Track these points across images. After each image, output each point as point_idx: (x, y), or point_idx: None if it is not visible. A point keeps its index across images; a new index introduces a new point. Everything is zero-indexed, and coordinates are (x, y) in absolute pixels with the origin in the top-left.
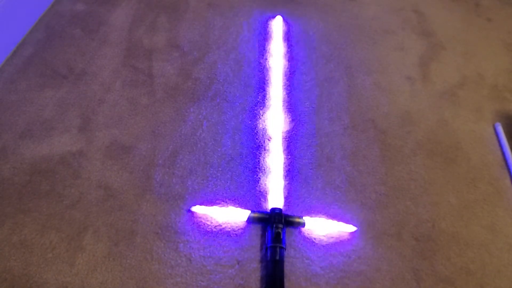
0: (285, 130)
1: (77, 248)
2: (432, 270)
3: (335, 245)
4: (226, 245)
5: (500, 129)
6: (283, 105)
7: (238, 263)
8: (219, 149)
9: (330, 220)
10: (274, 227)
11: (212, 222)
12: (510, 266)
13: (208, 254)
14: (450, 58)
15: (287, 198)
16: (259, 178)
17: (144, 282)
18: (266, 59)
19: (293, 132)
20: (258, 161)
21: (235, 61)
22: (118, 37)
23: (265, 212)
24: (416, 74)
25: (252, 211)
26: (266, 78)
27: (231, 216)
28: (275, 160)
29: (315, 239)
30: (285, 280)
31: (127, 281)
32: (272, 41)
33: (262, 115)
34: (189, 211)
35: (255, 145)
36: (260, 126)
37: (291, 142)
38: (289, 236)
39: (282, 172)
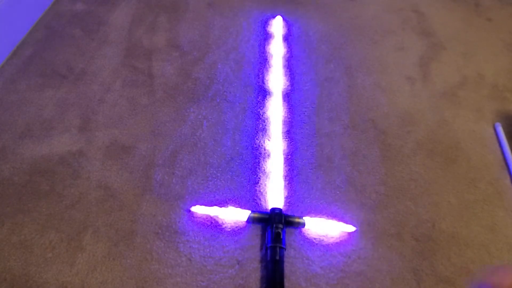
0: (285, 130)
1: (77, 248)
2: (432, 270)
3: (335, 245)
4: (226, 245)
5: (500, 129)
6: (283, 105)
7: (238, 263)
8: (219, 149)
9: (330, 220)
10: (274, 227)
11: (212, 222)
12: (510, 266)
13: (208, 254)
14: (450, 58)
15: (287, 198)
16: (259, 178)
17: (144, 282)
18: (266, 59)
19: (293, 132)
20: (258, 161)
21: (235, 61)
22: (118, 37)
23: (265, 212)
24: (416, 74)
25: (252, 211)
26: (266, 78)
27: (231, 216)
28: (275, 160)
29: (315, 239)
30: (285, 280)
31: (127, 281)
32: (272, 41)
33: (262, 115)
34: (189, 211)
35: (255, 145)
36: (260, 126)
37: (291, 142)
38: (289, 236)
39: (282, 172)
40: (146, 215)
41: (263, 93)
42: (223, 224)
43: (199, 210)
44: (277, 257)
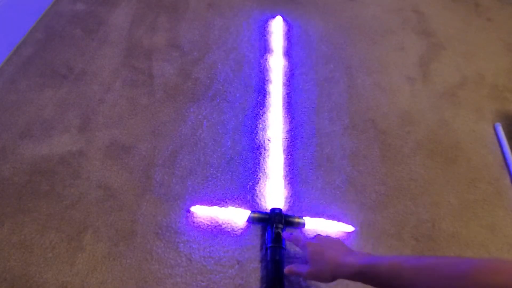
0: (285, 130)
1: (77, 248)
2: None
3: None
4: (226, 245)
5: (500, 129)
6: (283, 105)
7: (238, 263)
8: (219, 149)
9: (330, 220)
10: (274, 227)
11: (212, 222)
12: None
13: (208, 254)
14: (450, 58)
15: (287, 198)
16: (259, 178)
17: (144, 282)
18: (266, 59)
19: (293, 132)
20: (258, 161)
21: (235, 61)
22: (118, 37)
23: (265, 212)
24: (416, 74)
25: (252, 211)
26: (266, 78)
27: (231, 216)
28: (275, 160)
29: None
30: (285, 280)
31: (127, 281)
32: (272, 41)
33: (262, 115)
34: (189, 211)
35: (255, 145)
36: (260, 126)
37: (291, 142)
38: None
39: (282, 172)
40: (146, 215)
41: (263, 93)
42: (223, 224)
43: (199, 210)
44: (277, 257)
